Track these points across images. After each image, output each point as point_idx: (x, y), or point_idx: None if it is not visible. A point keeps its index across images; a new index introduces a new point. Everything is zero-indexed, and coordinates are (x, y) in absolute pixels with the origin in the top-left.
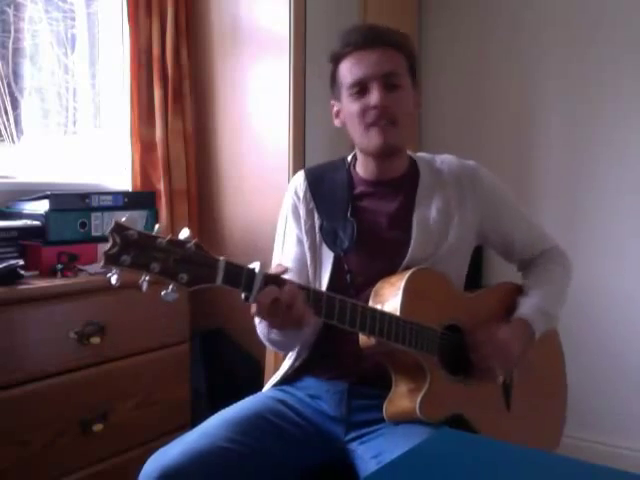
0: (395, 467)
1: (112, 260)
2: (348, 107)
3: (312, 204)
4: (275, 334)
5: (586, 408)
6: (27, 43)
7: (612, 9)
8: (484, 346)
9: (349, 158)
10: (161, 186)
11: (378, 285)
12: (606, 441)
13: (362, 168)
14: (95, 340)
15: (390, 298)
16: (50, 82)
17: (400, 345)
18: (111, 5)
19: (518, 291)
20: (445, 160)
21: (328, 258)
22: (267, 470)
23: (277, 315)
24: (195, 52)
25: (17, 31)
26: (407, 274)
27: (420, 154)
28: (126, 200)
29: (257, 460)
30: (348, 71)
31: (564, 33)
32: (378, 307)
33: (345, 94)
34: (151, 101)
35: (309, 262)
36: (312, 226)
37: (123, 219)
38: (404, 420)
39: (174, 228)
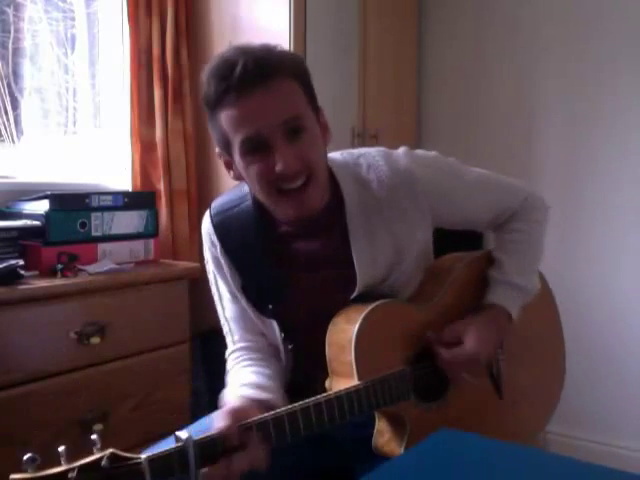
0: (395, 467)
1: None
2: (244, 168)
3: (229, 258)
4: None
5: (583, 407)
6: (27, 43)
7: (610, 7)
8: (451, 365)
9: None
10: (161, 186)
11: (328, 345)
12: (604, 440)
13: (275, 211)
14: (95, 340)
15: (342, 361)
16: (50, 82)
17: (369, 412)
18: (111, 5)
19: (487, 263)
20: (372, 164)
21: (270, 319)
22: (264, 474)
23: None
24: (195, 52)
25: (17, 31)
26: (354, 330)
27: (341, 161)
28: (126, 200)
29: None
30: (235, 127)
31: (562, 31)
32: (332, 349)
33: (236, 152)
34: (151, 101)
35: (254, 318)
36: (239, 285)
37: (25, 458)
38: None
39: (174, 228)
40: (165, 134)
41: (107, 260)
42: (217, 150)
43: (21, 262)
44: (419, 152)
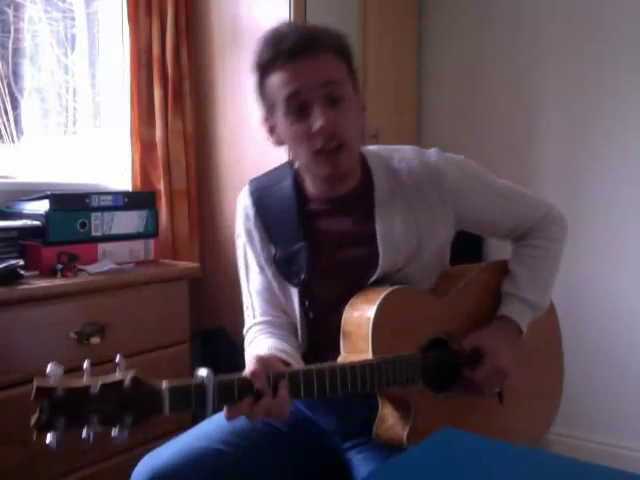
0: (395, 467)
1: (45, 429)
2: (287, 128)
3: (263, 231)
4: None
5: (584, 408)
6: (27, 43)
7: (610, 7)
8: (481, 380)
9: (296, 165)
10: (161, 186)
11: (344, 312)
12: (604, 441)
13: (311, 185)
14: (95, 340)
15: (357, 339)
16: (50, 82)
17: (378, 390)
18: (111, 5)
19: (503, 271)
20: (405, 157)
21: (293, 290)
22: (260, 473)
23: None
24: (195, 52)
25: (17, 31)
26: (373, 309)
27: (375, 151)
28: (126, 200)
29: (250, 462)
30: (281, 86)
31: (563, 31)
32: (347, 329)
33: (280, 112)
34: (151, 101)
35: (277, 291)
36: (269, 255)
37: (48, 368)
38: (394, 445)
39: (174, 228)
40: (165, 134)
41: (107, 260)
42: (261, 116)
43: (21, 262)
44: (450, 154)
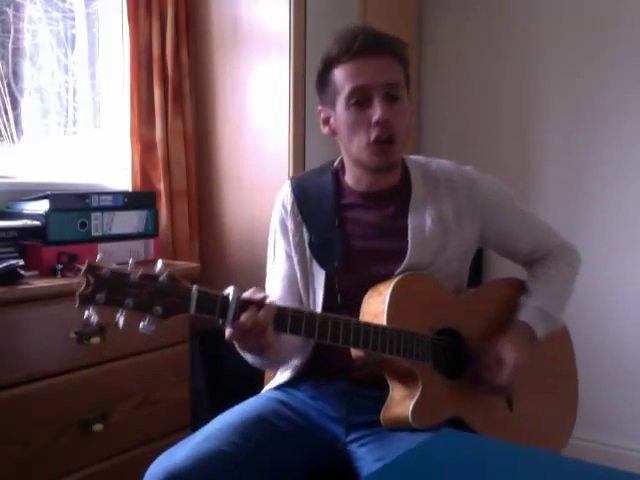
0: (395, 467)
1: (87, 300)
2: (345, 117)
3: (299, 217)
4: (249, 357)
5: (587, 408)
6: (27, 43)
7: (612, 9)
8: (507, 384)
9: (336, 163)
10: (161, 186)
11: (367, 294)
12: (607, 441)
13: (352, 178)
14: (95, 340)
15: (376, 307)
16: (50, 82)
17: (389, 355)
18: (111, 5)
19: (518, 288)
20: (441, 164)
21: (320, 275)
22: (269, 473)
23: (247, 339)
24: (195, 52)
25: (17, 31)
26: (393, 281)
27: (415, 158)
28: (126, 200)
29: (259, 463)
30: (348, 78)
31: (565, 33)
32: (365, 319)
33: (342, 102)
34: (151, 101)
35: (299, 278)
36: (301, 240)
37: (98, 257)
38: (400, 427)
39: (174, 228)
40: (165, 134)
41: (107, 260)
42: (319, 107)
43: (21, 262)
44: (484, 173)
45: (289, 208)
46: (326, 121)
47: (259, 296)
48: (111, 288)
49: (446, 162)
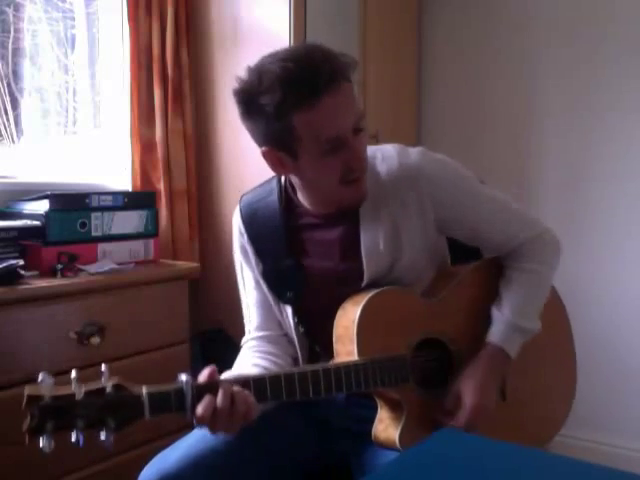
0: (395, 467)
1: (36, 432)
2: (317, 166)
3: (252, 245)
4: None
5: (585, 408)
6: (27, 43)
7: (611, 8)
8: (466, 426)
9: (283, 180)
10: (161, 186)
11: (336, 317)
12: (605, 441)
13: (307, 200)
14: (95, 340)
15: (346, 334)
16: (50, 82)
17: (367, 390)
18: (111, 5)
19: (492, 270)
20: (386, 157)
21: (286, 305)
22: (266, 473)
23: (221, 422)
24: (195, 52)
25: (17, 31)
26: (357, 311)
27: None
28: (126, 200)
29: (255, 463)
30: (317, 128)
31: (564, 32)
32: (339, 344)
33: (311, 153)
34: (151, 101)
35: (273, 304)
36: (262, 270)
37: (39, 378)
38: (390, 448)
39: (174, 228)
40: (165, 134)
41: (107, 260)
42: (264, 149)
43: (21, 262)
44: (438, 155)
45: (245, 236)
46: (278, 162)
47: (212, 380)
48: (58, 415)
49: (392, 151)
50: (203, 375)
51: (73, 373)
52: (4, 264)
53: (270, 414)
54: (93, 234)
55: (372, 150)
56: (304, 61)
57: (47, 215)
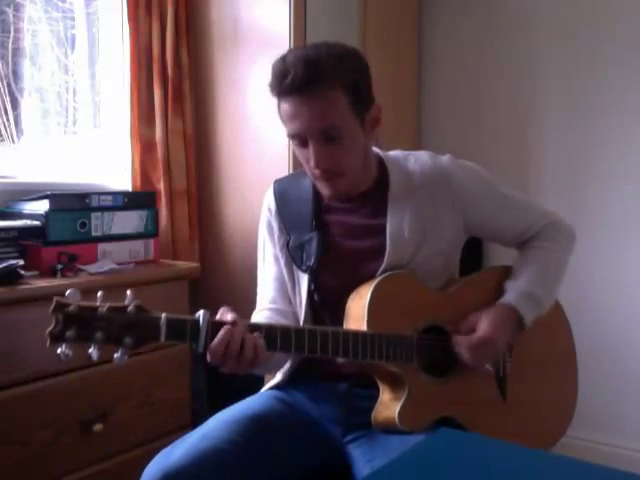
0: (394, 467)
1: (57, 338)
2: (293, 148)
3: (280, 220)
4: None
5: (585, 408)
6: (27, 43)
7: (611, 8)
8: (466, 346)
9: None
10: (161, 186)
11: (350, 297)
12: (605, 441)
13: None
14: None
15: (357, 312)
16: (50, 82)
17: (371, 361)
18: (111, 5)
19: (507, 274)
20: (419, 159)
21: (303, 276)
22: (268, 471)
23: (230, 360)
24: (195, 52)
25: (17, 31)
26: (373, 284)
27: (394, 154)
28: (126, 200)
29: (258, 461)
30: (285, 119)
31: (564, 32)
32: (349, 322)
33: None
34: (151, 101)
35: (287, 280)
36: (284, 243)
37: (67, 292)
38: (389, 429)
39: (174, 228)
40: (165, 134)
41: (107, 260)
42: None
43: (21, 262)
44: (463, 160)
45: (273, 211)
46: None
47: (229, 317)
48: (80, 324)
49: (424, 155)
50: (221, 312)
51: (99, 293)
52: (4, 264)
53: (273, 416)
54: (93, 234)
55: (404, 154)
56: (292, 59)
57: (47, 215)
